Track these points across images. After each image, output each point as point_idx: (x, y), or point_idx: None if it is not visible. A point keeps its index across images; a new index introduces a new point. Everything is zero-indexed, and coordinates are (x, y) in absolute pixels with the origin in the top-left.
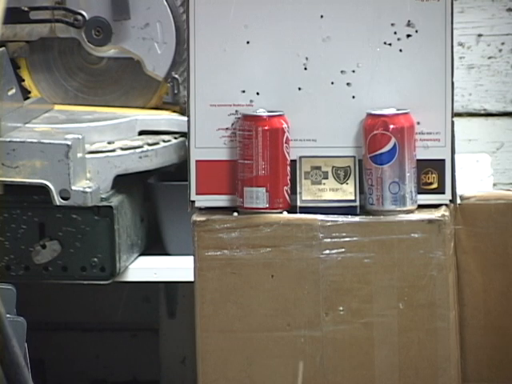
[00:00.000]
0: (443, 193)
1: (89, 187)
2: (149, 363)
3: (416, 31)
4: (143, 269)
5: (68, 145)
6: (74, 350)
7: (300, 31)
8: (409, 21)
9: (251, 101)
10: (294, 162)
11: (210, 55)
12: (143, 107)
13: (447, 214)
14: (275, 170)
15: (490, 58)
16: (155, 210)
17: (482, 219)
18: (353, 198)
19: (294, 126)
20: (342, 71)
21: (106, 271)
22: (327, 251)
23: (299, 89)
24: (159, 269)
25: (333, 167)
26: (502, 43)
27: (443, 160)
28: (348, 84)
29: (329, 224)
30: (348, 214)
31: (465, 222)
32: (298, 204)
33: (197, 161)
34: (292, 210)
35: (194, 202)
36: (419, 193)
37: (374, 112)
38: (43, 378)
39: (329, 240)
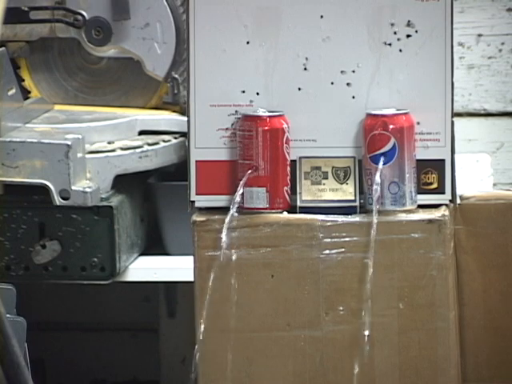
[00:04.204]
0: (443, 193)
1: (89, 187)
2: (149, 363)
3: (416, 31)
4: (143, 269)
5: (68, 145)
6: (73, 349)
7: (300, 31)
8: (409, 21)
9: (251, 101)
10: (293, 162)
11: (210, 55)
12: (143, 107)
13: (447, 213)
14: (275, 171)
15: (490, 58)
16: (155, 210)
17: (482, 219)
18: (353, 198)
19: (294, 126)
20: (341, 71)
21: (106, 271)
22: (327, 251)
23: (299, 89)
24: (159, 269)
25: (333, 167)
26: (502, 43)
27: (443, 160)
28: (348, 84)
29: (329, 224)
30: (348, 214)
31: (465, 222)
32: (298, 204)
33: (197, 161)
34: (292, 210)
35: (193, 202)
36: (419, 193)
37: (373, 112)
38: (43, 378)
39: (329, 240)
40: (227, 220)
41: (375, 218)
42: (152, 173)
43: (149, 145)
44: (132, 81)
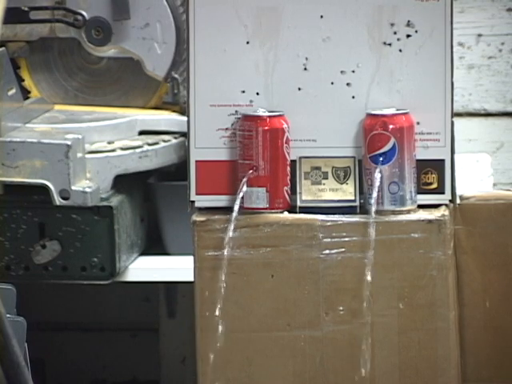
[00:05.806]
0: (443, 193)
1: (89, 187)
2: (149, 363)
3: (416, 31)
4: (143, 269)
5: (68, 145)
6: (73, 349)
7: (300, 31)
8: (409, 21)
9: (251, 101)
10: (293, 162)
11: (210, 55)
12: (143, 107)
13: (447, 213)
14: (275, 171)
15: (490, 58)
16: (155, 210)
17: (481, 219)
18: (353, 198)
19: (294, 125)
20: (341, 71)
21: (105, 271)
22: (327, 251)
23: (299, 89)
24: (159, 269)
25: (333, 167)
26: (502, 43)
27: (443, 160)
28: (348, 84)
29: (329, 224)
30: (348, 214)
31: (465, 222)
32: (298, 204)
33: (197, 161)
34: (292, 210)
35: (193, 202)
36: (419, 193)
37: (373, 112)
38: (43, 378)
39: (329, 240)
40: (232, 218)
41: (373, 219)
42: (152, 173)
43: (149, 145)
44: (132, 81)
